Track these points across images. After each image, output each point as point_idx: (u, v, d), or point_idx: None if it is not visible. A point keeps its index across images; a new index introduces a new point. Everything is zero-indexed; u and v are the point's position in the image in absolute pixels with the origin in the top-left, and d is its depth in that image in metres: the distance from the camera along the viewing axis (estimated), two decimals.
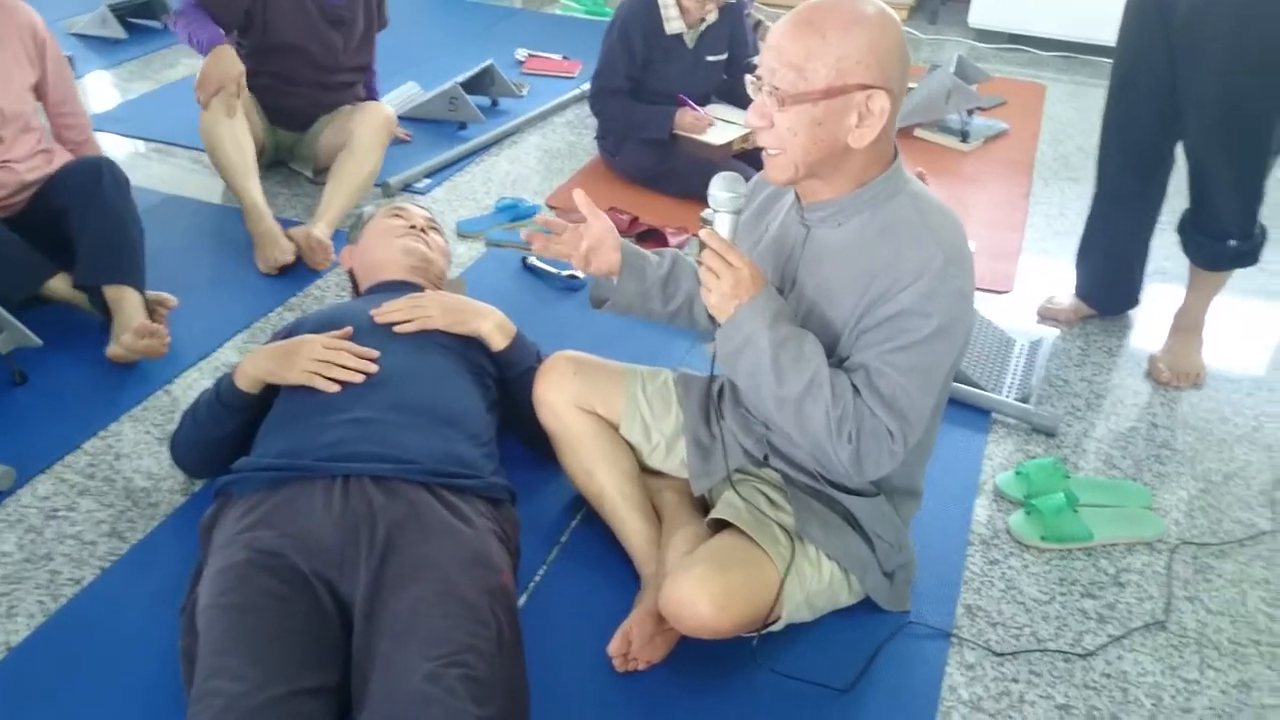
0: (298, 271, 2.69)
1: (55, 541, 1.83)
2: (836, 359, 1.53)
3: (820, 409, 1.45)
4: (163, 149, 3.35)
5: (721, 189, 1.51)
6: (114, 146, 3.32)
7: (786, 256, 1.60)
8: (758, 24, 3.99)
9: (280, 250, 2.68)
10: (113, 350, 2.24)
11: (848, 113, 1.42)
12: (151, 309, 2.36)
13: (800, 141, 1.44)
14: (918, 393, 1.47)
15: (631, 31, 3.05)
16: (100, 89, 3.85)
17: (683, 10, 3.05)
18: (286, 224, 2.80)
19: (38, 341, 2.13)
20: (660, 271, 1.76)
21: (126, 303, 2.29)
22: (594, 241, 1.69)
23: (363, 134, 2.96)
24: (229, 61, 2.77)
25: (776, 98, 1.43)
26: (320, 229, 2.75)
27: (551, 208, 3.10)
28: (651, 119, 3.12)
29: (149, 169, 3.20)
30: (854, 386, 1.47)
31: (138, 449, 2.05)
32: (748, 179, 2.93)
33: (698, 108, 3.18)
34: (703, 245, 1.51)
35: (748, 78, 1.50)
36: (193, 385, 2.24)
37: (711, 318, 1.53)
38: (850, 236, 1.52)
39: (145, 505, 1.91)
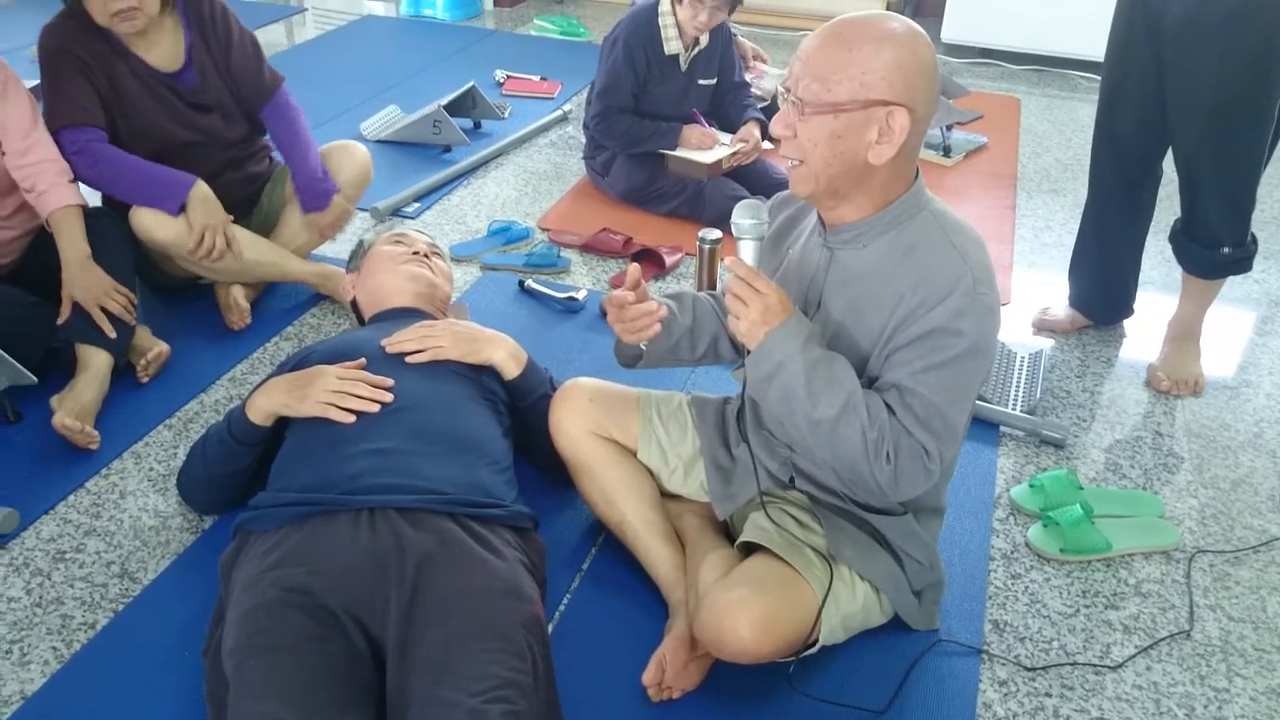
0: (291, 300, 2.64)
1: (65, 585, 1.77)
2: (865, 379, 1.52)
3: (856, 431, 1.44)
4: None
5: (745, 216, 1.50)
6: None
7: (810, 280, 1.60)
8: (732, 37, 4.02)
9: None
10: (54, 419, 2.04)
11: (868, 128, 1.42)
12: (144, 354, 2.29)
13: (820, 153, 1.44)
14: (951, 410, 1.47)
15: (634, 50, 3.04)
16: None
17: (680, 31, 3.05)
18: None
19: (32, 379, 2.07)
20: (686, 322, 1.75)
21: (90, 369, 2.14)
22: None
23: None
24: (216, 206, 2.36)
25: (799, 107, 1.43)
26: (238, 289, 2.52)
27: (544, 230, 3.08)
28: (659, 131, 3.11)
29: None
30: (888, 406, 1.47)
31: (143, 486, 2.00)
32: (737, 197, 2.95)
33: (707, 124, 3.19)
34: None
35: (778, 86, 1.50)
36: (194, 419, 2.20)
37: (739, 346, 1.52)
38: (875, 258, 1.52)
39: (155, 544, 1.87)
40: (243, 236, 2.45)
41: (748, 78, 3.91)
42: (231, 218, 2.40)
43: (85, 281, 2.15)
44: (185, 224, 2.33)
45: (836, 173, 1.46)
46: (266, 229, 2.63)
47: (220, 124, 2.51)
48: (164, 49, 2.40)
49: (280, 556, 1.51)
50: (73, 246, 2.17)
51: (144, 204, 2.33)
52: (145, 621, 1.71)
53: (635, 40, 3.05)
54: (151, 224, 2.33)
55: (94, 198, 2.38)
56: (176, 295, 2.60)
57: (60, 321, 2.16)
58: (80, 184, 2.28)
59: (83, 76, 2.30)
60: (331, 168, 2.62)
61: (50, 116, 2.29)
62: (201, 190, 2.34)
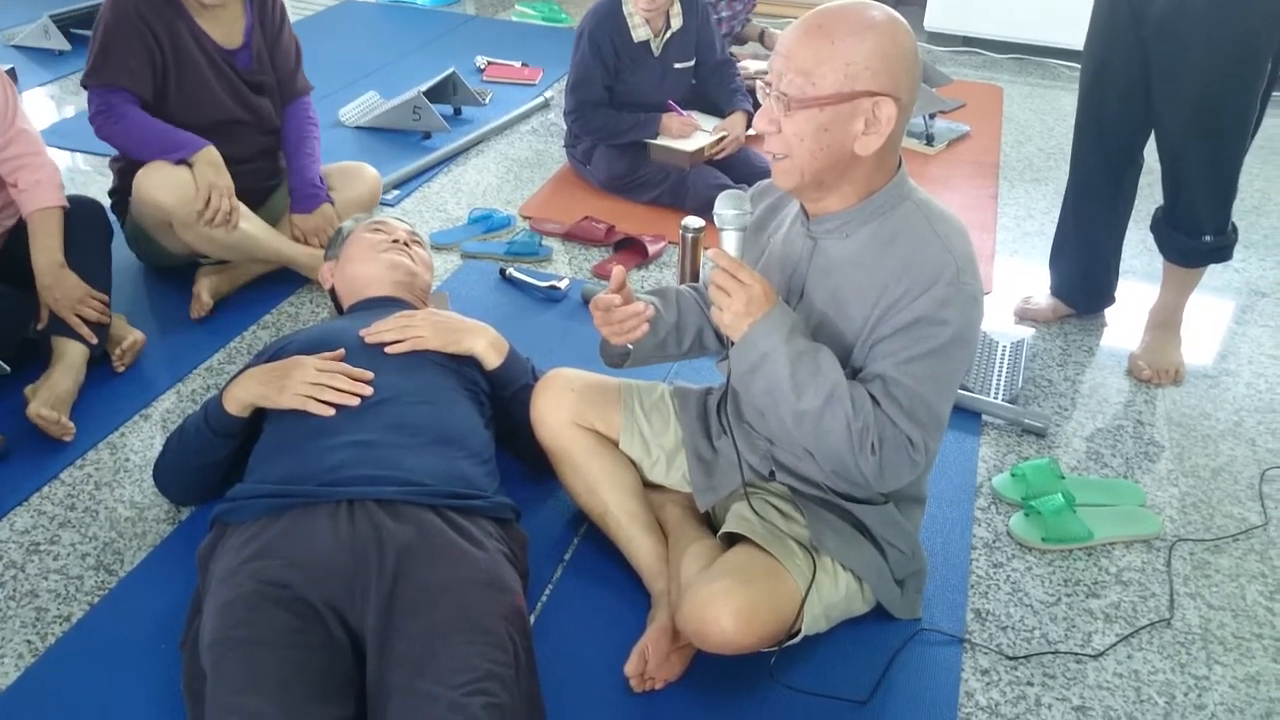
0: (271, 289, 2.61)
1: (39, 577, 1.75)
2: (850, 370, 1.52)
3: (841, 422, 1.44)
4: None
5: (728, 207, 1.49)
6: (58, 163, 3.20)
7: (792, 270, 1.59)
8: (762, 32, 4.03)
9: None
10: (29, 409, 2.02)
11: (855, 119, 1.41)
12: (119, 342, 2.26)
13: (807, 147, 1.43)
14: (936, 400, 1.47)
15: (600, 41, 3.02)
16: (43, 103, 3.73)
17: (646, 19, 3.03)
18: None
19: (5, 369, 2.05)
20: (671, 318, 1.75)
21: (66, 359, 2.13)
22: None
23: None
24: (223, 169, 2.36)
25: (784, 103, 1.42)
26: (205, 283, 2.49)
27: (525, 218, 3.06)
28: (638, 123, 3.09)
29: (103, 185, 3.09)
30: (872, 397, 1.46)
31: (118, 477, 1.98)
32: (720, 185, 2.94)
33: (684, 112, 3.17)
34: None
35: (758, 82, 1.48)
36: (171, 409, 2.17)
37: (723, 337, 1.51)
38: (859, 247, 1.51)
39: (131, 536, 1.84)
40: (243, 210, 2.45)
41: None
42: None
43: (59, 291, 2.14)
44: (191, 186, 2.33)
45: (822, 165, 1.45)
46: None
47: (271, 108, 2.59)
48: (227, 26, 2.47)
49: (258, 548, 1.50)
50: (46, 254, 2.15)
51: (152, 156, 2.35)
52: (121, 614, 1.69)
53: (600, 32, 3.02)
54: (157, 185, 2.33)
55: (94, 193, 2.35)
56: (151, 282, 2.57)
57: (40, 326, 2.15)
58: (69, 175, 2.25)
59: (141, 42, 2.33)
60: (341, 184, 2.67)
61: (91, 70, 2.34)
62: (212, 153, 2.37)
